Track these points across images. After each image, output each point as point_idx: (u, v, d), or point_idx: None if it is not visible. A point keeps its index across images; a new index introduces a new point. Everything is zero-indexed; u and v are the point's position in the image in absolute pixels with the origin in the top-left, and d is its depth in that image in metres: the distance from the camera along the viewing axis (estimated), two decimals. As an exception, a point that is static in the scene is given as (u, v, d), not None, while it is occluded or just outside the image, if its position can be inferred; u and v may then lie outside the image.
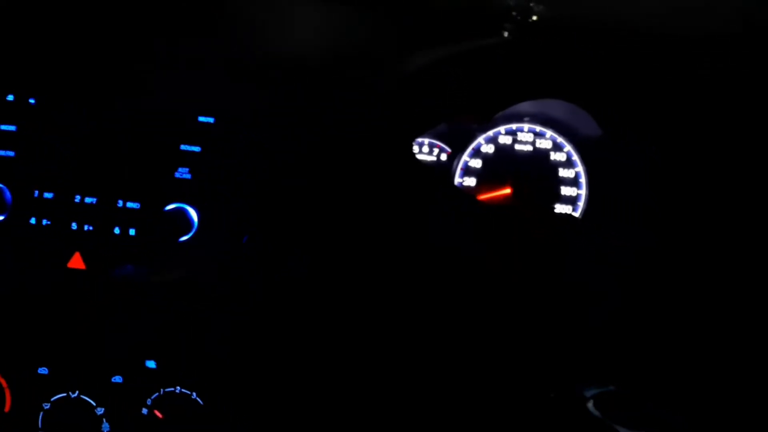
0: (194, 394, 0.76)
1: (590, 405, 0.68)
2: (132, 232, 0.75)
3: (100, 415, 0.77)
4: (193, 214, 0.75)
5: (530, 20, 0.82)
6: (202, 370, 0.76)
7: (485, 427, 0.77)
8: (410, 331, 0.77)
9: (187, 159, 0.76)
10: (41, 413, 0.77)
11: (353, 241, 0.78)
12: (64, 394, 0.77)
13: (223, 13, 0.79)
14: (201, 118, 0.77)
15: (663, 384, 0.73)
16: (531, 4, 0.81)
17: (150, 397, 0.77)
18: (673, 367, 0.74)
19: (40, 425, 0.77)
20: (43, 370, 0.77)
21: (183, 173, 0.76)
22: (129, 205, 0.76)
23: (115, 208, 0.76)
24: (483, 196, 1.00)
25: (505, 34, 0.84)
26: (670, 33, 0.78)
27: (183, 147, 0.76)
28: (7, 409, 0.77)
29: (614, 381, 0.72)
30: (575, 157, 1.00)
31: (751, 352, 0.73)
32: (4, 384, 0.77)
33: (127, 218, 0.76)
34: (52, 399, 0.77)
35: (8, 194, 0.76)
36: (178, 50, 0.79)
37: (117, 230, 0.75)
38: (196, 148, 0.76)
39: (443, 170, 1.04)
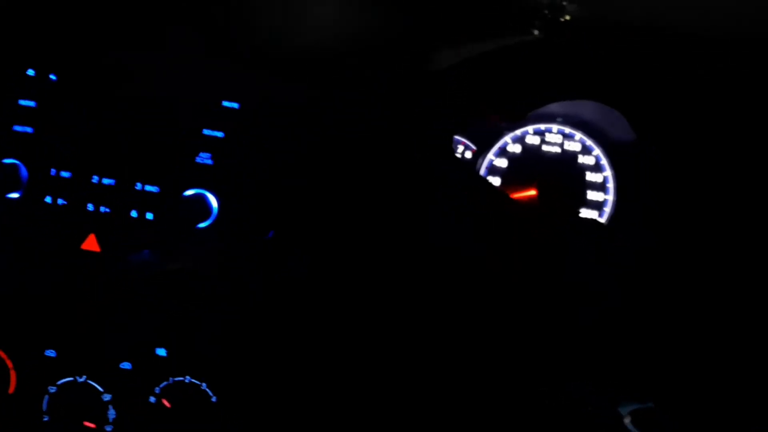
0: (204, 384, 0.75)
1: (627, 421, 0.67)
2: (149, 216, 0.74)
3: (107, 401, 0.76)
4: (213, 200, 0.73)
5: (562, 19, 0.81)
6: (213, 361, 0.75)
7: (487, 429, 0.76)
8: (415, 327, 0.76)
9: (210, 144, 0.74)
10: (46, 396, 0.76)
11: (382, 235, 0.77)
12: (71, 378, 0.75)
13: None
14: (225, 103, 0.75)
15: (665, 385, 0.72)
16: (563, 3, 0.80)
17: (158, 386, 0.75)
18: (677, 369, 0.73)
19: (44, 408, 0.76)
20: (50, 353, 0.75)
21: (205, 158, 0.74)
22: (147, 188, 0.74)
23: (133, 190, 0.74)
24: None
25: (536, 32, 0.82)
26: (706, 34, 0.77)
27: (205, 131, 0.75)
28: (11, 390, 0.76)
29: (652, 397, 0.70)
30: (604, 161, 0.97)
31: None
32: (10, 365, 0.75)
33: (145, 202, 0.74)
34: (59, 382, 0.76)
35: (24, 171, 0.74)
36: (204, 34, 0.78)
37: (134, 213, 0.74)
38: (220, 134, 0.74)
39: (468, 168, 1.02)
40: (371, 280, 0.76)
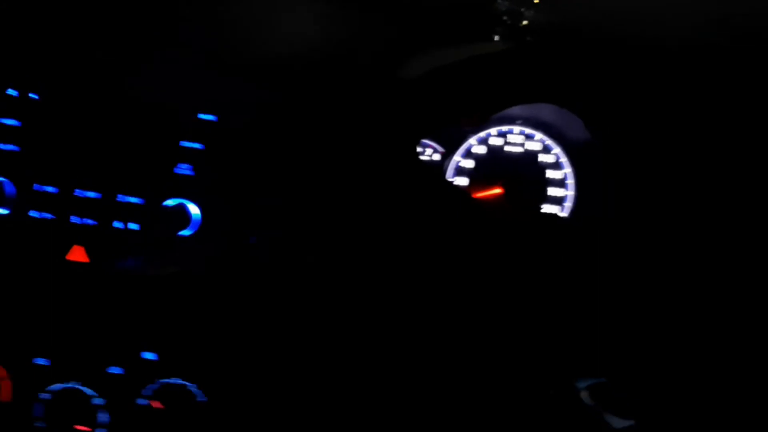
0: (194, 385, 0.77)
1: (584, 395, 0.70)
2: (132, 226, 0.77)
3: (99, 405, 0.78)
4: (195, 209, 0.77)
5: (521, 25, 0.84)
6: (202, 363, 0.77)
7: (480, 422, 0.79)
8: (405, 328, 0.79)
9: (189, 155, 0.77)
10: (40, 403, 0.78)
11: (355, 239, 0.80)
12: (63, 385, 0.77)
13: (224, 11, 0.80)
14: (201, 116, 0.78)
15: (652, 377, 0.76)
16: (522, 9, 0.83)
17: (149, 388, 0.77)
18: (664, 363, 0.77)
19: (38, 414, 0.78)
20: (42, 361, 0.77)
21: (184, 169, 0.77)
22: (130, 199, 0.77)
23: (115, 202, 0.77)
24: (476, 195, 1.03)
25: (497, 38, 0.85)
26: (660, 41, 0.80)
27: (183, 143, 0.78)
28: (6, 398, 0.78)
29: (606, 374, 0.74)
30: (563, 159, 1.02)
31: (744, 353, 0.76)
32: (4, 373, 0.77)
33: (127, 213, 0.77)
34: (51, 389, 0.77)
35: (12, 188, 0.76)
36: (179, 46, 0.80)
37: (119, 224, 0.77)
38: (198, 145, 0.78)
39: (436, 169, 1.06)
40: (352, 282, 0.79)
